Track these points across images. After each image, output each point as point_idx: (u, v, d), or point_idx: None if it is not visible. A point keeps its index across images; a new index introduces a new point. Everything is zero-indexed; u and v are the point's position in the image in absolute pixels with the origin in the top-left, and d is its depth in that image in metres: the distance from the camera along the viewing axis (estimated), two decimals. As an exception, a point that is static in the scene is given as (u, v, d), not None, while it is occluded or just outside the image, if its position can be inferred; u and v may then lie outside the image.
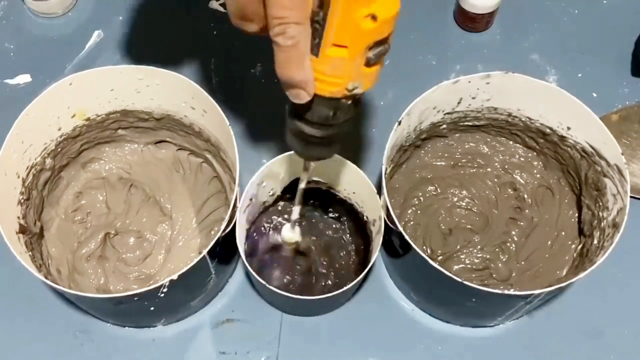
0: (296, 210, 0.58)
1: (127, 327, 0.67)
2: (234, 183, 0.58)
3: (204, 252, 0.55)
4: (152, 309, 0.59)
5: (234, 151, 0.58)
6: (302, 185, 0.55)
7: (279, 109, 0.77)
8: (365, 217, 0.64)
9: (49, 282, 0.55)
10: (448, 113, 0.67)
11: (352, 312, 0.67)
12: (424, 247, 0.68)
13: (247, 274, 0.68)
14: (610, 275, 0.68)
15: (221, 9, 0.84)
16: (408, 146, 0.68)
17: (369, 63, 0.42)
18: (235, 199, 0.57)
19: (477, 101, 0.65)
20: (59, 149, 0.65)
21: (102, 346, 0.66)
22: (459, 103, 0.65)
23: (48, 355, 0.65)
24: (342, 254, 0.69)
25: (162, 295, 0.56)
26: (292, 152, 0.60)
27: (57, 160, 0.66)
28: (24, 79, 0.79)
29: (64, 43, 0.82)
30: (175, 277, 0.54)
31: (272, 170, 0.62)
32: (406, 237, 0.56)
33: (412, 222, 0.69)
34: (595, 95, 0.78)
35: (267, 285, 0.57)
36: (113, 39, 0.82)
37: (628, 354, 0.67)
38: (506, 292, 0.55)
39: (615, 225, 0.58)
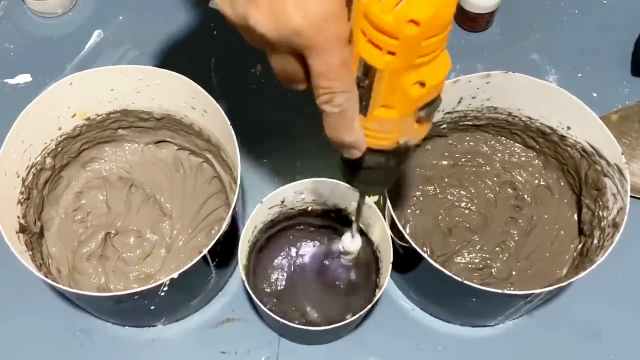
0: (354, 226, 0.56)
1: (127, 327, 0.67)
2: (235, 183, 0.58)
3: (205, 251, 0.55)
4: (152, 308, 0.59)
5: (235, 151, 0.58)
6: (359, 203, 0.54)
7: (279, 109, 0.78)
8: (378, 279, 0.63)
9: (49, 281, 0.55)
10: (448, 112, 0.67)
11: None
12: (424, 247, 0.68)
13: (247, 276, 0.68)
14: (610, 275, 0.68)
15: (221, 9, 0.84)
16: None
17: (419, 121, 0.41)
18: (236, 199, 0.57)
19: (477, 101, 0.65)
20: (59, 149, 0.65)
21: (102, 346, 0.66)
22: (459, 102, 0.65)
23: (48, 355, 0.65)
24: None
25: (163, 294, 0.56)
26: (341, 182, 0.59)
27: (57, 160, 0.66)
28: (24, 78, 0.79)
29: (64, 43, 0.82)
30: (175, 275, 0.54)
31: (317, 189, 0.62)
32: (408, 238, 0.56)
33: (411, 222, 0.69)
34: (595, 95, 0.78)
35: (263, 307, 0.57)
36: (113, 39, 0.82)
37: (627, 353, 0.67)
38: (506, 291, 0.55)
39: (615, 225, 0.58)
